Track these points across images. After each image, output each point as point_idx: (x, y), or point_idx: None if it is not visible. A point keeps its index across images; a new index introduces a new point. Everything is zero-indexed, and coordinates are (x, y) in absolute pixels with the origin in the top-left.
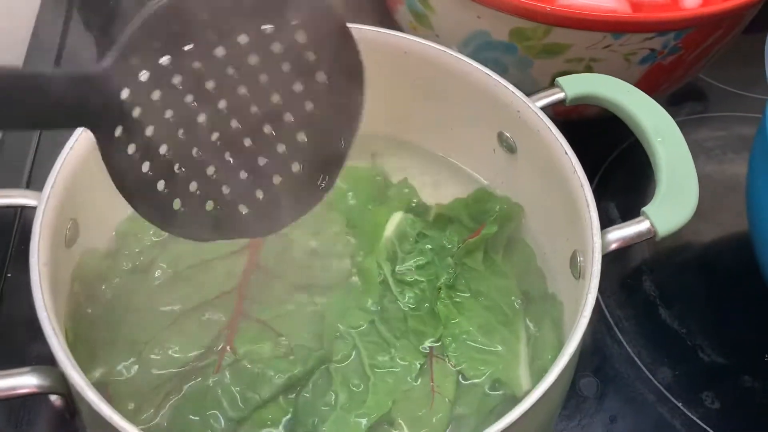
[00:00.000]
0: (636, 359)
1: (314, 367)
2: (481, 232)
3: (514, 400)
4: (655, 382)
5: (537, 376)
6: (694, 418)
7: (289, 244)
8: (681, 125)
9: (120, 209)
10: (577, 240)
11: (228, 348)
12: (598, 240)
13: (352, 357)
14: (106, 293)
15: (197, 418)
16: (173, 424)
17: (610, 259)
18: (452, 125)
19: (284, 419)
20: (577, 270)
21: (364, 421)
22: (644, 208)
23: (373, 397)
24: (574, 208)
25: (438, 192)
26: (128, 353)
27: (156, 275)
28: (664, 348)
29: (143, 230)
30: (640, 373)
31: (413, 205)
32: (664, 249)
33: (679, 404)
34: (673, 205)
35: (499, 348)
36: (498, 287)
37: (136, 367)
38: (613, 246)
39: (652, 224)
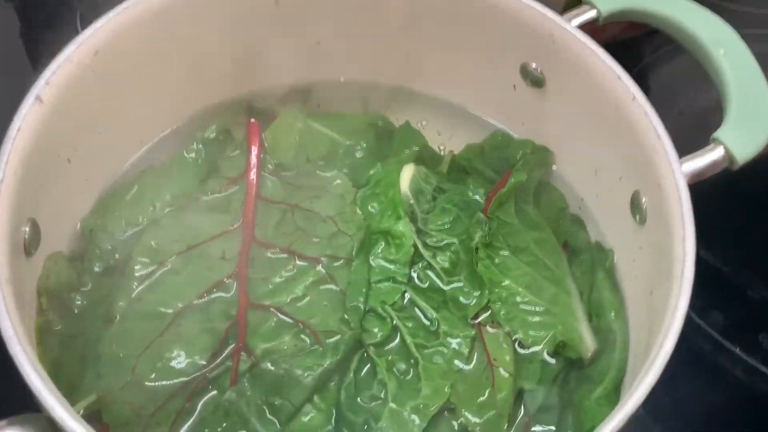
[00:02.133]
0: None
1: (348, 354)
2: (508, 182)
3: (579, 365)
4: (708, 329)
5: (601, 337)
6: (755, 364)
7: (289, 212)
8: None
9: (81, 199)
10: (639, 178)
11: (241, 348)
12: (680, 174)
13: (394, 339)
14: (78, 304)
15: None
16: None
17: None
18: (461, 66)
19: (326, 427)
20: (640, 212)
21: (421, 415)
22: (715, 134)
23: (427, 384)
24: (633, 141)
25: (447, 140)
26: (119, 372)
27: (136, 273)
28: (711, 291)
29: (113, 222)
30: (690, 322)
31: (422, 152)
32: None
33: (737, 350)
34: (749, 126)
35: (553, 308)
36: (536, 241)
37: (133, 386)
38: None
39: (728, 150)
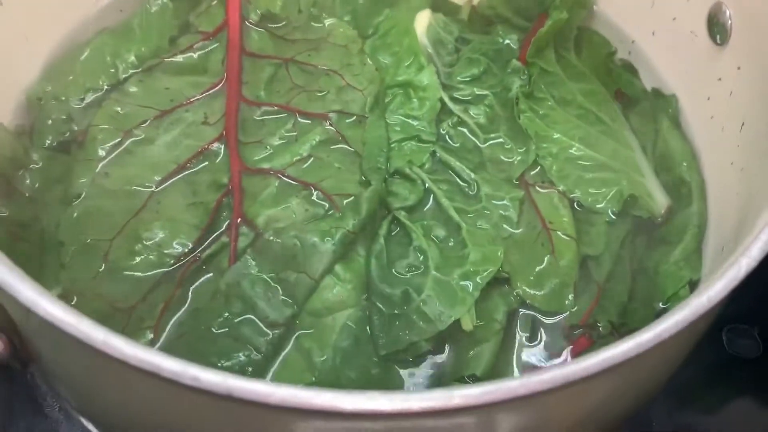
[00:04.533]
0: None
1: (371, 217)
2: (546, 23)
3: (648, 227)
4: None
5: (673, 192)
6: None
7: (282, 67)
8: None
9: (24, 63)
10: None
11: (239, 220)
12: None
13: (427, 202)
14: (27, 185)
15: (221, 331)
16: (185, 346)
17: None
18: None
19: (356, 304)
20: (722, 29)
21: (473, 282)
22: None
23: (476, 250)
24: None
25: None
26: (88, 260)
27: (100, 145)
28: None
29: (67, 87)
30: None
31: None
32: None
33: None
34: None
35: (613, 163)
36: (584, 92)
37: (107, 276)
38: None
39: None
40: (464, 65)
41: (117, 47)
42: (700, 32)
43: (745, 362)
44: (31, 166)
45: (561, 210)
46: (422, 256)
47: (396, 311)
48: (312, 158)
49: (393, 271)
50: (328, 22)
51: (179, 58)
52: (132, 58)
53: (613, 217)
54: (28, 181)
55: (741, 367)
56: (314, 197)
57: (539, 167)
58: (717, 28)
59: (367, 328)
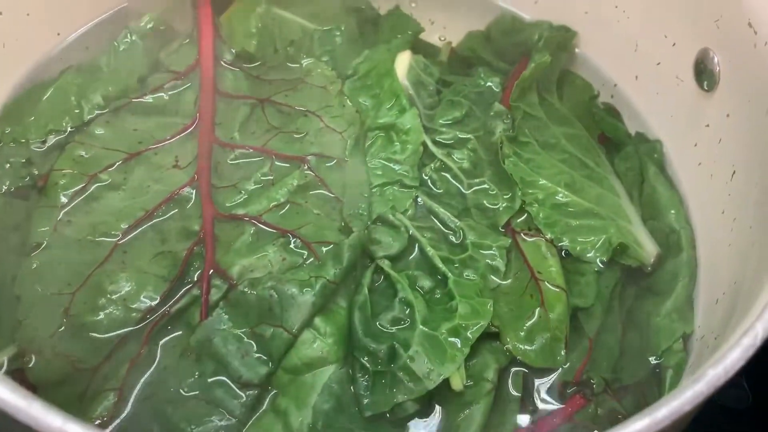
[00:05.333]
0: None
1: (353, 264)
2: (529, 66)
3: (637, 276)
4: None
5: (661, 240)
6: None
7: (258, 107)
8: None
9: None
10: (705, 33)
11: (211, 271)
12: None
13: (411, 251)
14: None
15: (192, 394)
16: (152, 410)
17: None
18: None
19: (337, 359)
20: (710, 75)
21: (463, 338)
22: None
23: (464, 303)
24: None
25: (443, 30)
26: (46, 315)
27: (62, 191)
28: None
29: (27, 129)
30: None
31: (416, 42)
32: None
33: None
34: None
35: (600, 209)
36: (567, 136)
37: (67, 333)
38: None
39: None
40: (446, 108)
41: (83, 87)
42: (686, 78)
43: (734, 413)
44: None
45: (549, 259)
46: (408, 309)
47: (381, 368)
48: (289, 204)
49: (377, 324)
50: (305, 62)
51: (149, 98)
52: (98, 99)
53: (602, 266)
54: None
55: (730, 418)
56: (292, 245)
57: (526, 214)
58: (704, 75)
59: (351, 387)
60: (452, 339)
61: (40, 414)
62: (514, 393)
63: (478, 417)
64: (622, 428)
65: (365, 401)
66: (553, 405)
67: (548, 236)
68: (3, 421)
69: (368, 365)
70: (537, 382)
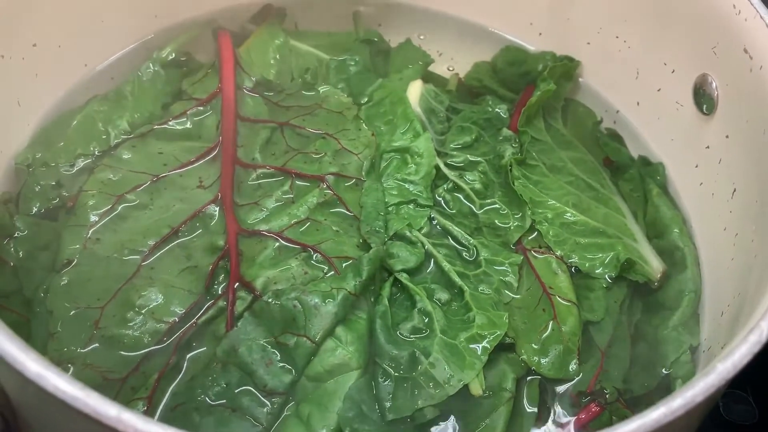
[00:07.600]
0: None
1: (372, 277)
2: (535, 94)
3: (644, 291)
4: None
5: (666, 257)
6: None
7: (278, 130)
8: None
9: (13, 130)
10: (704, 59)
11: (236, 284)
12: None
13: (428, 266)
14: (12, 254)
15: (219, 403)
16: (180, 418)
17: None
18: None
19: (359, 366)
20: (709, 100)
21: (481, 346)
22: None
23: (481, 314)
24: (699, 14)
25: (450, 61)
26: (77, 329)
27: (91, 211)
28: None
29: (57, 154)
30: None
31: (426, 70)
32: None
33: None
34: None
35: (607, 228)
36: (573, 160)
37: (96, 346)
38: None
39: None
40: (456, 133)
41: (109, 114)
42: (686, 102)
43: (741, 429)
44: (15, 234)
45: (560, 275)
46: (427, 319)
47: (403, 373)
48: (309, 221)
49: (398, 333)
50: (322, 89)
51: (172, 124)
52: (124, 125)
53: (610, 281)
54: (12, 250)
55: None
56: (313, 260)
57: (536, 232)
58: (704, 99)
59: (372, 394)
60: (471, 346)
61: (98, 403)
62: (531, 402)
63: (500, 425)
64: (641, 417)
65: (387, 405)
66: (569, 414)
67: (558, 253)
68: (60, 415)
69: (391, 370)
70: (553, 391)
